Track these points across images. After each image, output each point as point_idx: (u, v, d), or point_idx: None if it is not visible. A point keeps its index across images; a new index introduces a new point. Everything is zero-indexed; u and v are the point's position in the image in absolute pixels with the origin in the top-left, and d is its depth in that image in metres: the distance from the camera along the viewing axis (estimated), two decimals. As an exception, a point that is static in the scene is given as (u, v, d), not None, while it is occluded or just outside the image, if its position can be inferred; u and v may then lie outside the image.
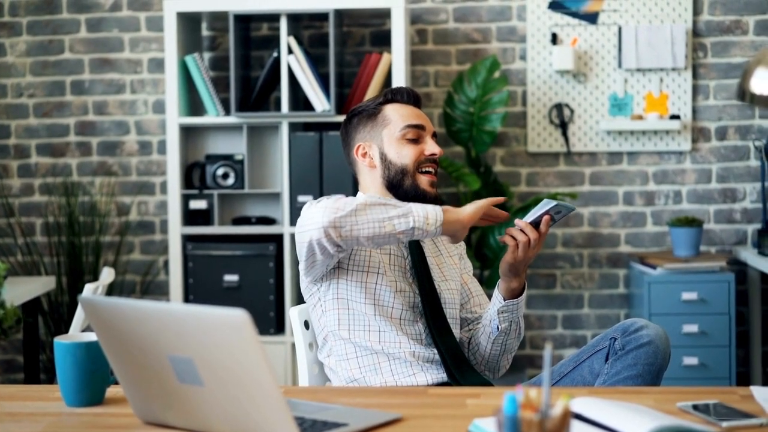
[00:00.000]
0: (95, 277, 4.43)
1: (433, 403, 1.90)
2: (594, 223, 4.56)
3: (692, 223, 4.26)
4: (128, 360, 1.67)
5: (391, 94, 2.51)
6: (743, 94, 1.96)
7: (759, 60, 1.96)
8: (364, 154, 2.47)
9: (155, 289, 4.61)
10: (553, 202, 2.21)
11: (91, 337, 1.89)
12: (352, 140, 2.51)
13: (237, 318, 1.47)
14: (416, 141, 2.44)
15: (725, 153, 4.50)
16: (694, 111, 4.49)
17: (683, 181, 4.51)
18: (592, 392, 1.95)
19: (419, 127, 2.45)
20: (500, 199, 2.31)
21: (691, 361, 4.07)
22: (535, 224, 2.27)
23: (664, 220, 4.52)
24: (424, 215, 2.16)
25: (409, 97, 2.51)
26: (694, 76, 4.47)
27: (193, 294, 4.15)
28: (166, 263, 4.59)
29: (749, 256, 4.24)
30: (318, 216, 2.16)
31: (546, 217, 2.25)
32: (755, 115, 4.47)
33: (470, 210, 2.23)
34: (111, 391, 1.93)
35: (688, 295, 4.10)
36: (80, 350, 1.85)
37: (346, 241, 2.17)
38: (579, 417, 1.60)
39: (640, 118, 4.43)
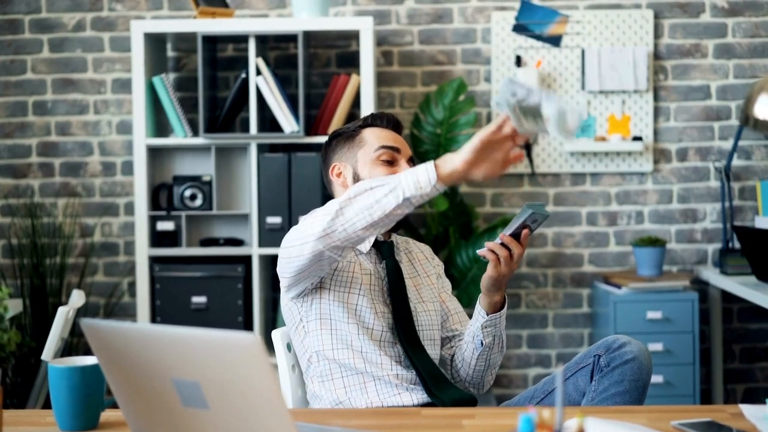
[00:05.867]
0: (59, 300, 4.38)
1: (429, 425, 1.91)
2: (558, 243, 4.60)
3: (656, 243, 4.33)
4: (130, 384, 1.66)
5: (371, 119, 2.55)
6: (746, 119, 1.99)
7: (762, 86, 2.00)
8: (339, 174, 2.51)
9: (120, 312, 4.57)
10: (530, 211, 2.23)
11: (86, 361, 1.88)
12: (329, 161, 2.56)
13: (248, 341, 1.47)
14: (391, 163, 2.48)
15: (686, 174, 4.57)
16: (656, 132, 4.56)
17: (645, 202, 4.58)
18: (584, 411, 1.97)
19: (394, 149, 2.48)
20: (497, 124, 2.02)
21: (656, 379, 4.12)
22: (515, 235, 2.30)
23: (627, 240, 4.58)
24: (414, 181, 2.04)
25: (388, 121, 2.55)
26: (656, 98, 4.55)
27: (160, 316, 4.12)
28: (130, 285, 4.56)
29: (711, 275, 4.31)
30: (309, 229, 2.18)
31: (525, 231, 2.27)
32: (715, 136, 4.56)
33: (463, 154, 2.02)
34: (105, 415, 1.91)
35: (652, 314, 4.15)
36: (75, 374, 1.84)
37: (345, 241, 2.15)
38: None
39: (603, 139, 4.49)
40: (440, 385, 2.35)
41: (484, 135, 2.02)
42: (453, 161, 2.03)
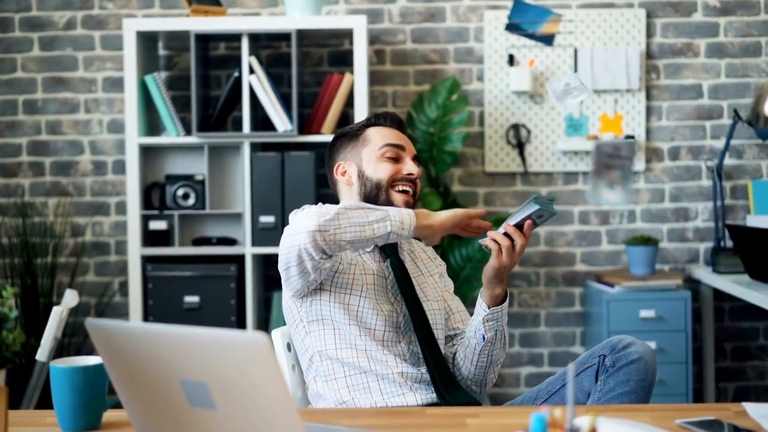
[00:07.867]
0: (50, 299, 4.35)
1: (434, 424, 1.90)
2: (550, 242, 4.61)
3: (648, 241, 4.33)
4: (136, 384, 1.64)
5: (375, 118, 2.58)
6: (757, 118, 1.99)
7: (772, 85, 2.00)
8: (344, 173, 2.53)
9: (111, 311, 4.54)
10: (536, 206, 2.22)
11: (87, 361, 1.87)
12: (333, 160, 2.58)
13: (257, 341, 1.46)
14: (395, 160, 2.49)
15: (678, 173, 4.58)
16: (648, 131, 4.57)
17: (637, 201, 4.59)
18: (589, 410, 1.97)
19: (399, 147, 2.50)
20: (479, 212, 2.34)
21: (649, 377, 4.13)
22: (518, 226, 2.28)
23: (619, 238, 4.59)
24: (400, 220, 2.22)
25: (392, 120, 2.58)
26: (648, 97, 4.56)
27: (153, 316, 4.10)
28: (121, 285, 4.53)
29: (703, 274, 4.32)
30: (304, 221, 2.19)
31: (529, 222, 2.26)
32: (707, 135, 4.57)
33: (442, 218, 2.28)
34: (107, 415, 1.90)
35: (645, 313, 4.16)
36: (77, 375, 1.82)
37: (330, 245, 2.19)
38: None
39: (596, 138, 4.49)
40: (449, 386, 2.35)
41: (469, 213, 2.29)
42: (431, 219, 2.27)
